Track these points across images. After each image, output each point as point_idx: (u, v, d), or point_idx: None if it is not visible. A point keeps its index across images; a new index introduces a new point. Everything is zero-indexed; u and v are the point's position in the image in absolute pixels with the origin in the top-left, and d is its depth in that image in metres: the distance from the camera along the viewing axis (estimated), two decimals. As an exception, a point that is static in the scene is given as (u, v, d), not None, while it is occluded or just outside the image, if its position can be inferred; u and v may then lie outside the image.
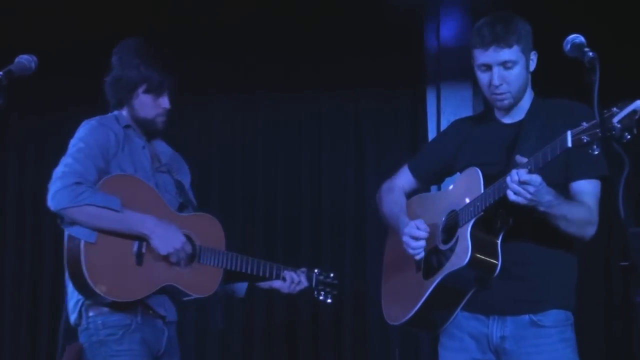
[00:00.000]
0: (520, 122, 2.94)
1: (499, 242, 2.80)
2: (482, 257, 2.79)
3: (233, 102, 5.38)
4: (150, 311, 3.16)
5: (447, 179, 3.26)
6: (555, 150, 2.57)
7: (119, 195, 3.07)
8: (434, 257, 2.95)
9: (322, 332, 5.12)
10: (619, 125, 2.39)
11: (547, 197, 2.67)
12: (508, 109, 2.95)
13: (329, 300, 3.52)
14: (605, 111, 2.42)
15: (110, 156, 3.16)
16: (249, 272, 3.32)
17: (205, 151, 5.32)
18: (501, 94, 2.88)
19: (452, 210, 2.94)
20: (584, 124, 2.49)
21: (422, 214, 3.07)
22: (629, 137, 2.40)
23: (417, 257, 2.97)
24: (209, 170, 5.27)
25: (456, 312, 2.93)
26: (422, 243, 2.94)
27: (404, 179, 3.23)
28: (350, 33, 5.14)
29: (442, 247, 2.93)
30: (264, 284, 3.45)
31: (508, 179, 2.65)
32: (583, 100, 2.64)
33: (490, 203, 2.76)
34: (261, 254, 5.10)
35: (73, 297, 3.17)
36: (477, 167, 2.90)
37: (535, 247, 2.86)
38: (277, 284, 3.42)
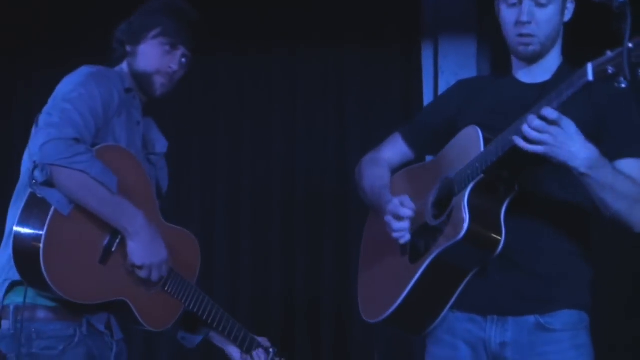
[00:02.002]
0: (545, 83, 2.91)
1: (502, 213, 2.78)
2: (482, 230, 2.76)
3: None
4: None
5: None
6: (573, 85, 2.53)
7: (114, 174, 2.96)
8: (424, 237, 2.92)
9: (299, 334, 5.12)
10: None
11: (585, 153, 2.60)
12: (531, 61, 2.93)
13: None
14: (635, 38, 2.41)
15: (109, 119, 3.06)
16: (214, 326, 3.27)
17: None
18: (528, 35, 2.86)
19: (446, 179, 2.92)
20: (609, 52, 2.46)
21: (409, 189, 3.04)
22: None
23: (402, 241, 2.93)
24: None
25: (448, 307, 2.91)
26: (406, 224, 2.90)
27: (394, 149, 3.22)
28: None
29: (433, 222, 2.90)
30: (220, 342, 3.40)
31: (525, 126, 2.58)
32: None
33: (493, 161, 2.73)
34: (222, 238, 5.13)
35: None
36: (476, 126, 2.87)
37: (547, 229, 2.84)
38: (232, 349, 3.38)
